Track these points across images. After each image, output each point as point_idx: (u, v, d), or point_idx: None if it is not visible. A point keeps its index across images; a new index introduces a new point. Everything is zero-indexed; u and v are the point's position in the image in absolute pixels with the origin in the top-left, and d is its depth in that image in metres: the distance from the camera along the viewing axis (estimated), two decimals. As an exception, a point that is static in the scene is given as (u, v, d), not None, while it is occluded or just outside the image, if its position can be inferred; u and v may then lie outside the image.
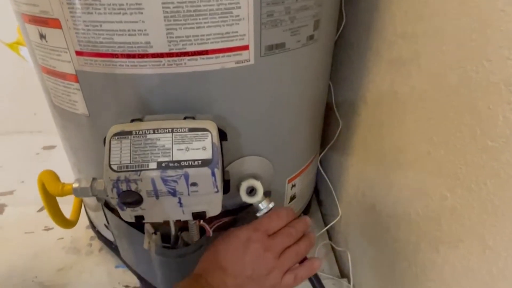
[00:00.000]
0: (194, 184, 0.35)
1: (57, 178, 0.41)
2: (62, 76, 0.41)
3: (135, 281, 0.62)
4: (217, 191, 0.36)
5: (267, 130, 0.46)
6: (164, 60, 0.36)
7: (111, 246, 0.62)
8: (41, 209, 0.77)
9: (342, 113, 0.63)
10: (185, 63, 0.36)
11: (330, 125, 0.67)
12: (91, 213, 0.65)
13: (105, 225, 0.59)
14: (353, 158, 0.59)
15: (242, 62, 0.38)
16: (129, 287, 0.62)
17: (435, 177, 0.36)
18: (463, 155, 0.32)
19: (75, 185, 0.38)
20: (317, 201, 0.81)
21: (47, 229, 0.72)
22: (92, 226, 0.67)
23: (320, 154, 0.69)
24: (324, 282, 0.62)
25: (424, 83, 0.37)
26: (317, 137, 0.61)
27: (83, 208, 0.64)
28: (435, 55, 0.35)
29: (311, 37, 0.42)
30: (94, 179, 0.39)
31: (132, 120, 0.35)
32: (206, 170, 0.34)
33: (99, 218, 0.60)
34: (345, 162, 0.63)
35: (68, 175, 0.58)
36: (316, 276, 0.46)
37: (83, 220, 0.70)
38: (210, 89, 0.39)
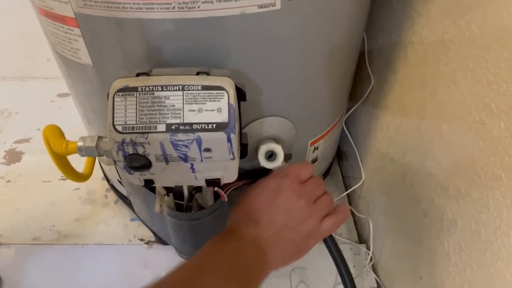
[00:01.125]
0: (207, 150, 0.31)
1: (61, 134, 0.38)
2: (61, 19, 0.36)
3: (150, 235, 0.62)
4: (233, 158, 0.32)
5: (291, 88, 0.41)
6: (174, 3, 0.30)
7: (126, 201, 0.61)
8: (57, 159, 0.76)
9: (375, 68, 0.56)
10: (198, 7, 0.30)
11: (360, 81, 0.61)
12: (105, 166, 0.63)
13: (118, 180, 0.57)
14: (384, 120, 0.54)
15: (267, 7, 0.32)
16: (144, 240, 0.62)
17: (488, 153, 0.31)
18: (531, 131, 0.26)
19: (80, 143, 0.35)
20: (338, 162, 0.77)
21: (64, 178, 0.72)
22: (107, 179, 0.66)
23: (346, 113, 0.64)
24: (341, 246, 0.60)
25: (489, 37, 0.30)
26: (345, 96, 0.55)
27: (97, 160, 0.63)
28: None
29: (350, -24, 0.35)
30: (100, 137, 0.35)
31: (138, 74, 0.31)
32: (221, 135, 0.30)
33: (113, 172, 0.58)
34: (373, 124, 0.58)
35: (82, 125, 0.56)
36: (332, 239, 0.43)
37: (98, 170, 0.69)
38: (227, 38, 0.33)
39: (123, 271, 0.57)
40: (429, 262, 0.41)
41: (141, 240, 0.62)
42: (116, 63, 0.37)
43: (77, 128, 0.54)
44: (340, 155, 0.77)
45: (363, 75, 0.59)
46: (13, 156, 0.77)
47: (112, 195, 0.69)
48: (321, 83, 0.44)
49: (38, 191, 0.70)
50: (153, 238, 0.62)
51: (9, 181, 0.72)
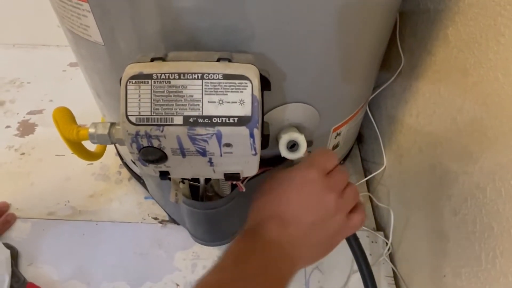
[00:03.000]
0: (228, 145, 0.28)
1: (71, 119, 0.36)
2: (69, -8, 0.33)
3: (164, 214, 0.61)
4: (255, 154, 0.29)
5: (317, 71, 0.38)
6: (193, -24, 0.26)
7: (140, 181, 0.60)
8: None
9: (406, 48, 0.52)
10: (220, -18, 0.27)
11: (388, 61, 0.56)
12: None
13: (131, 160, 0.56)
14: (414, 106, 0.50)
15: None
16: (158, 219, 0.61)
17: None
18: None
19: (91, 130, 0.33)
20: (357, 144, 0.74)
21: (77, 153, 0.71)
22: (120, 156, 0.64)
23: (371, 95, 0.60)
24: (358, 233, 0.58)
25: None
26: (373, 79, 0.51)
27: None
28: None
29: None
30: (112, 124, 0.33)
31: (153, 59, 0.28)
32: (243, 130, 0.27)
33: (126, 151, 0.57)
34: (401, 109, 0.54)
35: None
36: None
37: (111, 146, 0.68)
38: (251, 15, 0.30)
39: (137, 250, 0.57)
40: (456, 263, 0.39)
41: (155, 219, 0.61)
42: (129, 43, 0.34)
43: (89, 100, 0.52)
44: (360, 138, 0.73)
45: (392, 54, 0.54)
46: (27, 128, 0.77)
47: (125, 172, 0.68)
48: (349, 65, 0.41)
49: (52, 165, 0.69)
50: (167, 218, 0.61)
51: (23, 153, 0.72)
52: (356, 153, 0.72)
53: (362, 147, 0.73)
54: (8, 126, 0.77)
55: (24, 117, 0.79)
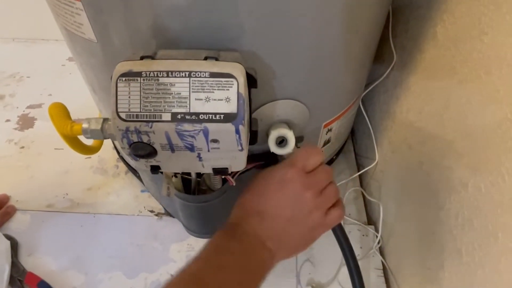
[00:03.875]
0: (214, 140, 0.29)
1: (66, 114, 0.37)
2: (62, -10, 0.33)
3: (159, 207, 0.63)
4: (242, 150, 0.30)
5: (307, 68, 0.38)
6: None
7: (136, 174, 0.61)
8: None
9: (398, 44, 0.52)
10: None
11: (380, 58, 0.57)
12: (115, 138, 0.63)
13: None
14: (404, 103, 0.51)
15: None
16: (154, 212, 0.63)
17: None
18: None
19: (85, 125, 0.34)
20: (352, 139, 0.75)
21: (76, 147, 0.72)
22: (117, 150, 0.65)
23: (364, 90, 0.60)
24: (350, 227, 0.60)
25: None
26: (365, 75, 0.52)
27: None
28: None
29: None
30: (105, 120, 0.34)
31: (142, 58, 0.29)
32: (229, 127, 0.28)
33: (123, 145, 0.58)
34: (392, 105, 0.55)
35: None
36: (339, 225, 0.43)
37: (109, 140, 0.69)
38: (240, 13, 0.30)
39: (134, 242, 0.58)
40: (439, 256, 0.40)
41: (151, 211, 0.63)
42: (121, 40, 0.35)
43: (88, 94, 0.52)
44: (354, 132, 0.74)
45: (385, 51, 0.55)
46: (26, 122, 0.78)
47: (122, 165, 0.69)
48: (340, 62, 0.41)
49: (51, 158, 0.70)
50: (162, 210, 0.62)
51: (22, 147, 0.73)
52: (350, 148, 0.73)
53: (356, 142, 0.73)
54: (8, 120, 0.78)
55: (23, 111, 0.80)
